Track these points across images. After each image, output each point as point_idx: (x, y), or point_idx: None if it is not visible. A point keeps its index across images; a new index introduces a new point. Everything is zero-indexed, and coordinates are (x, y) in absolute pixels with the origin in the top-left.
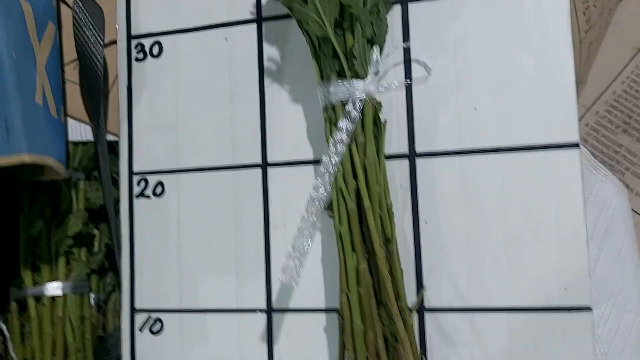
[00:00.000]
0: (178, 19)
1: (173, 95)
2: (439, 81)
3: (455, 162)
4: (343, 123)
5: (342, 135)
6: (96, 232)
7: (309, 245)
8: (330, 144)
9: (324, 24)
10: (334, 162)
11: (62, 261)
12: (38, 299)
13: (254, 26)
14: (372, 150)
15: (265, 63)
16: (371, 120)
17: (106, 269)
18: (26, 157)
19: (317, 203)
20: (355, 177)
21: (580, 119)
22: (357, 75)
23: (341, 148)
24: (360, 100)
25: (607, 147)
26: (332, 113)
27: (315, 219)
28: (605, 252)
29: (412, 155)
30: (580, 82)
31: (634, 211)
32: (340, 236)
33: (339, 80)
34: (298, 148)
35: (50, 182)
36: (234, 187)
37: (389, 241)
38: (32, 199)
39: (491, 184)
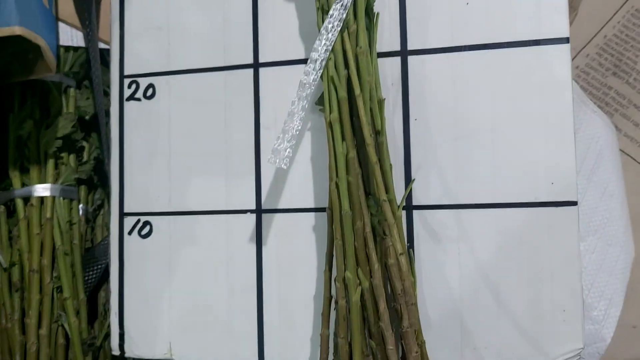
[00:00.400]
0: None
1: None
2: None
3: (446, 59)
4: (335, 9)
5: (334, 23)
6: (85, 144)
7: (299, 127)
8: (322, 31)
9: None
10: (325, 49)
11: (50, 164)
12: (26, 201)
13: None
14: (364, 39)
15: None
16: (364, 9)
17: (95, 185)
18: (17, 29)
19: (307, 87)
20: (346, 66)
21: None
22: None
23: (333, 36)
24: None
25: (597, 89)
26: (324, 0)
27: (305, 103)
28: (592, 185)
29: (403, 53)
30: (572, 8)
31: (622, 151)
32: (330, 125)
33: None
34: (290, 48)
35: (40, 86)
36: (225, 88)
37: (378, 133)
38: (21, 102)
39: (481, 80)
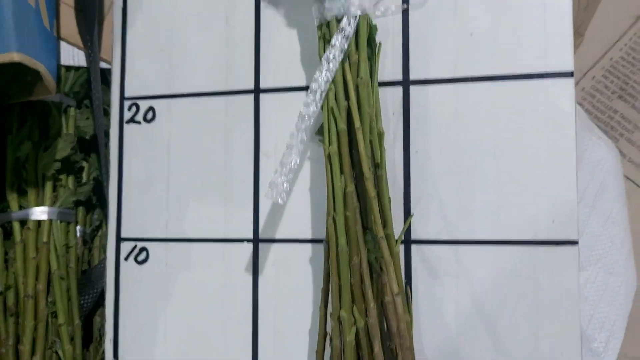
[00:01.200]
0: None
1: (168, 18)
2: (436, 6)
3: (449, 90)
4: (337, 39)
5: (335, 53)
6: (85, 164)
7: (297, 161)
8: (323, 61)
9: None
10: (325, 79)
11: (49, 186)
12: (23, 223)
13: None
14: (365, 70)
15: None
16: (366, 39)
17: (94, 206)
18: (15, 56)
19: (306, 119)
20: (347, 97)
21: (576, 84)
22: None
23: (334, 66)
24: (355, 17)
25: (602, 112)
26: (326, 30)
27: (304, 136)
28: (595, 213)
29: (405, 83)
30: (578, 34)
31: (627, 177)
32: (329, 157)
33: None
34: (291, 74)
35: (40, 107)
36: (226, 113)
37: (378, 166)
38: (20, 122)
39: (484, 112)
